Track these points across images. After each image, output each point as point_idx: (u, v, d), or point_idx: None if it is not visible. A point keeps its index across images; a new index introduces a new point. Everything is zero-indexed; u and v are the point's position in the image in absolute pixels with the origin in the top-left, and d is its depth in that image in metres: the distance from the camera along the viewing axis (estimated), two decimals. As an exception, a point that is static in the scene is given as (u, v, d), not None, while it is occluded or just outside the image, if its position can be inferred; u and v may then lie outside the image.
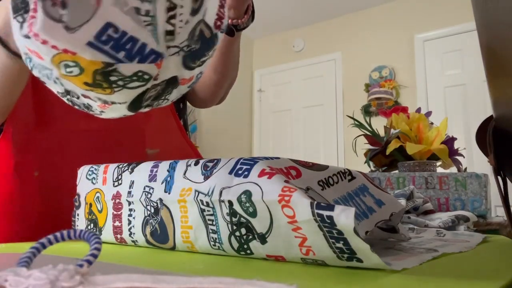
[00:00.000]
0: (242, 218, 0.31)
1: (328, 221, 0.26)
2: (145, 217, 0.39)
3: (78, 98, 0.28)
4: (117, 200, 0.41)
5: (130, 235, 0.40)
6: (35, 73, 0.28)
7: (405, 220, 0.60)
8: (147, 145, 0.64)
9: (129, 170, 0.41)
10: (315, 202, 0.27)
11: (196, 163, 0.36)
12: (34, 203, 0.56)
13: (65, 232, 0.20)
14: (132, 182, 0.40)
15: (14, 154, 0.56)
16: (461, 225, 0.62)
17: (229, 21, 0.59)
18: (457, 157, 1.11)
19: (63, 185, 0.57)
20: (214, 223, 0.33)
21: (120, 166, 0.43)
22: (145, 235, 0.39)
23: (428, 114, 1.18)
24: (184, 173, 0.36)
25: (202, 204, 0.33)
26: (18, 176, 0.55)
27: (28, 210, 0.56)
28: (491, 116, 0.39)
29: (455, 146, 1.12)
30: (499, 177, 0.38)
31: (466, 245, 0.39)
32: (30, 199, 0.56)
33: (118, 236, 0.41)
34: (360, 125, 1.21)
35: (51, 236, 0.20)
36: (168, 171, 0.38)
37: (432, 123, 1.17)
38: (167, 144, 0.67)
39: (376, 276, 0.25)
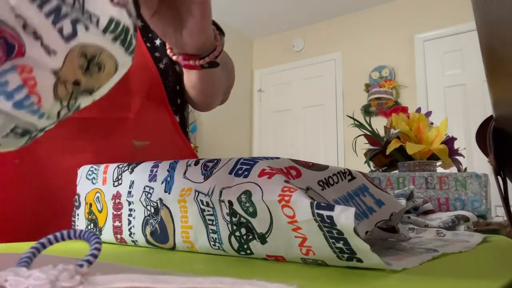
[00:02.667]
0: (242, 218, 0.31)
1: (328, 221, 0.26)
2: (145, 217, 0.39)
3: None
4: (117, 200, 0.41)
5: (130, 235, 0.40)
6: None
7: (405, 220, 0.60)
8: (134, 136, 0.62)
9: (129, 170, 0.41)
10: (315, 202, 0.27)
11: (196, 163, 0.36)
12: (14, 190, 0.55)
13: (65, 232, 0.20)
14: (132, 182, 0.40)
15: None
16: (461, 225, 0.62)
17: (196, 62, 0.52)
18: (457, 157, 1.11)
19: (44, 173, 0.56)
20: (214, 223, 0.33)
21: (120, 166, 0.43)
22: (145, 235, 0.39)
23: (428, 114, 1.18)
24: (184, 173, 0.36)
25: (202, 204, 0.34)
26: None
27: (7, 197, 0.55)
28: (491, 116, 0.39)
29: (455, 146, 1.12)
30: (499, 177, 0.38)
31: (466, 245, 0.39)
32: (10, 187, 0.55)
33: (118, 236, 0.41)
34: (360, 125, 1.22)
35: (51, 236, 0.20)
36: (168, 171, 0.38)
37: (432, 123, 1.17)
38: (157, 137, 0.65)
39: (376, 276, 0.25)
